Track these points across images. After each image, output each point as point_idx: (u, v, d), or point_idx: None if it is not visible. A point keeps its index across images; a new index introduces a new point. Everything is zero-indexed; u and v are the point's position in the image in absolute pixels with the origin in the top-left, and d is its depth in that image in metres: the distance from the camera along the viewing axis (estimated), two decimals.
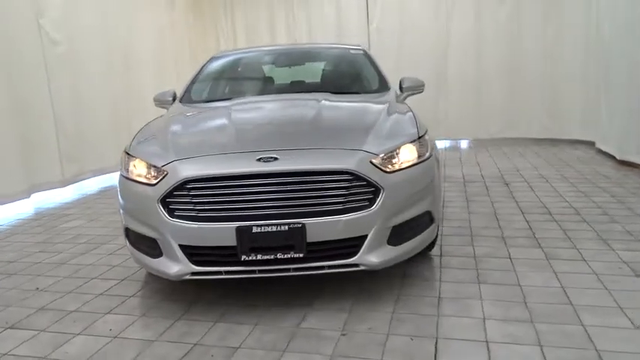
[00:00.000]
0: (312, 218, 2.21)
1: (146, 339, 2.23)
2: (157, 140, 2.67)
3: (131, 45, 6.82)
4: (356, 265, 2.29)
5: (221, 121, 2.83)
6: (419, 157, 2.48)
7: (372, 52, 6.99)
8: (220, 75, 3.81)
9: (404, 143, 2.46)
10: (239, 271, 2.28)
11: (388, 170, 2.32)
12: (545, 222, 3.57)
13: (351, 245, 2.28)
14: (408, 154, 2.44)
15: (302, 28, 8.33)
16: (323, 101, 2.97)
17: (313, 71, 3.84)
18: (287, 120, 2.79)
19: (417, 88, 3.73)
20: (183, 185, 2.26)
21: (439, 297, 2.46)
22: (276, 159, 2.25)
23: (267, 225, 2.20)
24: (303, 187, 2.23)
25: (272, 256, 2.24)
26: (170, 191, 2.28)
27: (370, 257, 2.29)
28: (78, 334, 2.30)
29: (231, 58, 3.98)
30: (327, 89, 3.42)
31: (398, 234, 2.38)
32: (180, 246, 2.29)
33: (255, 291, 2.64)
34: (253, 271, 2.28)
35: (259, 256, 2.24)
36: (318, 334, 2.18)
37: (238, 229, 2.20)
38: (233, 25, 8.75)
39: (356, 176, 2.24)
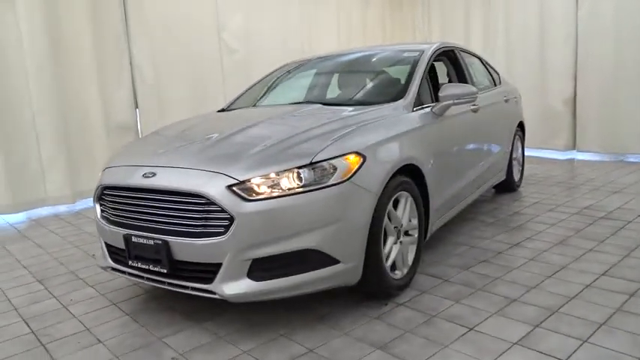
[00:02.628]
0: (175, 237, 2.23)
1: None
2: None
3: (310, 47, 7.39)
4: (213, 292, 2.19)
5: (174, 131, 3.01)
6: (305, 185, 2.16)
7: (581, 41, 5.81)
8: (267, 83, 3.91)
9: (282, 169, 2.17)
10: (132, 273, 2.47)
11: (250, 197, 2.12)
12: None
13: (210, 271, 2.20)
14: (286, 181, 2.16)
15: (498, 18, 7.40)
16: (280, 115, 2.91)
17: (341, 80, 3.59)
18: (206, 135, 2.72)
19: (461, 97, 3.07)
20: (103, 189, 2.58)
21: None
22: (154, 175, 2.33)
23: (141, 237, 2.33)
24: (168, 205, 2.27)
25: (146, 266, 2.36)
26: (100, 193, 2.62)
27: (225, 287, 2.16)
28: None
29: (292, 66, 4.00)
30: (324, 100, 3.24)
31: (263, 268, 2.16)
32: (105, 243, 2.63)
33: None
34: (142, 277, 2.44)
35: (139, 264, 2.39)
36: None
37: (124, 236, 2.40)
38: (429, 23, 8.42)
39: (210, 201, 2.14)
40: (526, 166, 6.21)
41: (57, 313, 2.70)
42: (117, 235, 2.46)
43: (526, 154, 7.11)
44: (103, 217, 2.60)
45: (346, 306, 2.54)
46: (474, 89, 3.12)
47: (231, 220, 2.11)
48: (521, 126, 4.98)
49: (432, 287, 2.72)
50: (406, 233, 2.73)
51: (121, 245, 2.45)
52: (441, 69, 4.04)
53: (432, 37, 8.35)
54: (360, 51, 3.83)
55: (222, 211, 2.13)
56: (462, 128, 3.43)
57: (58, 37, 5.13)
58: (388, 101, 2.95)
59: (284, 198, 2.13)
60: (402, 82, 3.16)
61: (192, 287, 2.26)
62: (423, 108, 3.02)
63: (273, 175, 2.17)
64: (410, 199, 2.69)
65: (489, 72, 4.63)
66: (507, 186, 4.81)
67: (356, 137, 2.41)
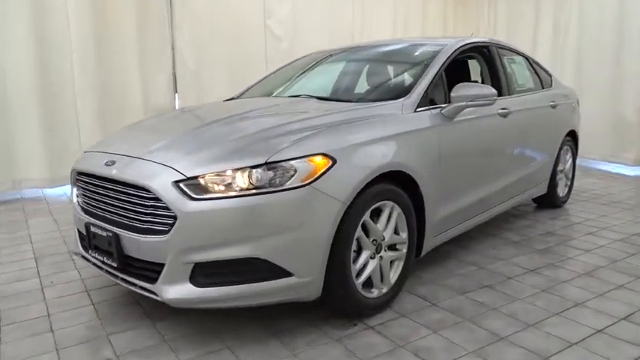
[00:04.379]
0: (125, 231, 2.11)
1: None
2: None
3: (362, 39, 7.11)
4: (155, 294, 2.06)
5: (162, 118, 2.89)
6: (258, 186, 1.95)
7: None
8: (282, 74, 3.70)
9: (234, 167, 1.97)
10: (95, 263, 2.40)
11: (196, 196, 1.94)
12: None
13: (155, 271, 2.06)
14: (237, 181, 1.96)
15: (571, 15, 6.71)
16: (264, 108, 2.70)
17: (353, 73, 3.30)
18: (183, 125, 2.57)
19: (475, 98, 2.71)
20: (77, 174, 2.52)
21: None
22: (113, 163, 2.23)
23: (98, 227, 2.24)
24: (121, 196, 2.15)
25: (101, 258, 2.27)
26: (74, 178, 2.57)
27: (166, 290, 2.01)
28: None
29: (312, 57, 3.76)
30: (323, 95, 2.97)
31: (206, 274, 1.99)
32: (77, 229, 2.58)
33: None
34: (102, 268, 2.35)
35: (96, 255, 2.31)
36: None
37: (85, 225, 2.33)
38: (495, 19, 7.82)
39: (157, 196, 1.99)
40: (585, 180, 5.59)
41: (32, 294, 2.69)
42: (82, 222, 2.39)
43: (590, 166, 6.45)
44: (77, 202, 2.55)
45: (311, 322, 2.31)
46: (491, 91, 2.75)
47: (175, 218, 1.95)
48: (572, 135, 4.43)
49: (415, 311, 2.42)
50: (392, 247, 2.45)
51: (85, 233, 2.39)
52: (476, 67, 3.67)
53: (497, 34, 7.75)
54: (382, 44, 3.53)
55: (168, 208, 1.97)
56: (482, 133, 3.05)
57: (103, 20, 5.24)
58: (389, 99, 2.66)
59: (233, 199, 1.94)
60: (410, 79, 2.85)
61: (139, 285, 2.13)
62: (430, 109, 2.69)
63: (223, 173, 1.98)
64: (397, 210, 2.40)
65: (537, 73, 4.14)
66: (550, 201, 4.31)
67: (328, 137, 2.16)
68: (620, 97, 6.21)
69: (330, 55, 3.57)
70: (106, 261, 2.25)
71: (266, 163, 1.98)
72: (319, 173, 2.03)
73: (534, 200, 4.29)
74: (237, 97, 3.62)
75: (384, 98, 2.69)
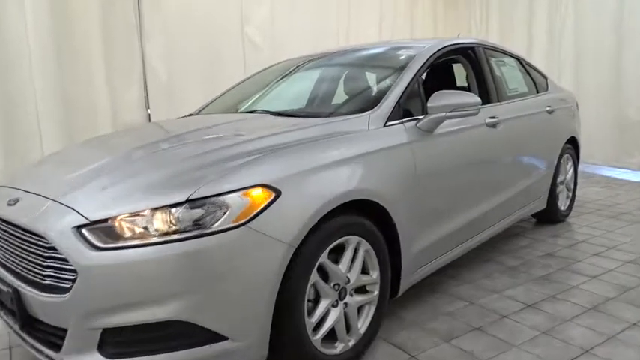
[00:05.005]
0: (26, 286, 1.72)
1: None
2: None
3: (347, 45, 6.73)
4: None
5: (91, 144, 2.50)
6: (178, 230, 1.56)
7: None
8: (247, 86, 3.32)
9: (150, 207, 1.58)
10: (5, 319, 2.00)
11: (100, 245, 1.55)
12: None
13: (60, 336, 1.66)
14: (153, 224, 1.57)
15: (567, 14, 6.33)
16: (215, 127, 2.28)
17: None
18: (110, 151, 2.18)
19: (456, 108, 2.32)
20: None
21: None
22: (16, 202, 1.84)
23: (0, 279, 1.85)
24: (22, 244, 1.76)
25: (5, 317, 1.88)
26: None
27: None
28: None
29: (275, 68, 3.37)
30: (278, 109, 2.54)
31: (118, 342, 1.59)
32: None
33: None
34: (11, 327, 1.96)
35: (2, 313, 1.92)
36: None
37: None
38: (487, 22, 7.45)
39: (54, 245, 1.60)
40: (588, 188, 5.19)
41: None
42: None
43: (593, 172, 6.05)
44: None
45: None
46: (474, 99, 2.36)
47: (76, 273, 1.56)
48: (572, 142, 4.03)
49: None
50: (361, 290, 2.06)
51: None
52: (462, 72, 3.28)
53: (490, 37, 7.37)
54: (356, 49, 3.14)
55: (67, 260, 1.58)
56: (468, 147, 2.66)
57: (65, 31, 4.87)
58: (355, 112, 2.27)
59: (146, 248, 1.54)
60: (379, 88, 2.46)
61: (46, 354, 1.74)
62: (403, 122, 2.30)
63: (137, 213, 1.59)
64: (365, 245, 2.01)
65: (530, 76, 3.75)
66: (550, 216, 3.90)
67: (271, 163, 1.76)
68: (621, 100, 5.82)
69: (298, 65, 3.18)
70: (9, 321, 1.86)
71: (188, 201, 1.58)
72: (258, 210, 1.64)
73: (533, 215, 3.89)
74: (196, 113, 3.24)
75: (348, 112, 2.30)
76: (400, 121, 2.30)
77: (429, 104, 2.33)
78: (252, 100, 2.97)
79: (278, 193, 1.69)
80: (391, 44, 3.04)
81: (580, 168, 5.13)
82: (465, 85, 3.20)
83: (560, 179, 3.88)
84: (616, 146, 5.91)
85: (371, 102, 2.32)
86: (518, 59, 3.70)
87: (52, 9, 4.68)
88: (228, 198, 1.61)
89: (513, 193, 3.17)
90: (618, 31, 5.77)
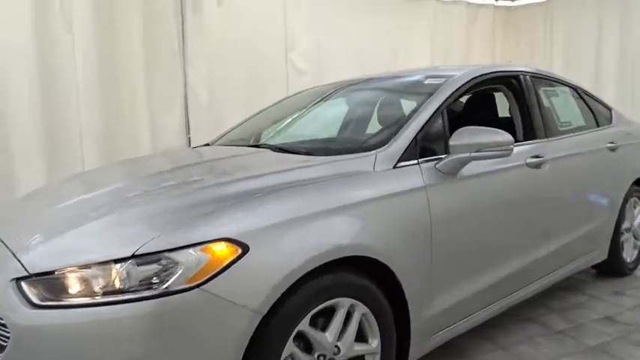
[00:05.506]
0: None
1: None
2: None
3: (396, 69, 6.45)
4: None
5: (74, 181, 2.35)
6: (122, 290, 1.34)
7: None
8: (266, 115, 3.11)
9: (97, 260, 1.37)
10: None
11: (40, 302, 1.36)
12: None
13: None
14: (101, 280, 1.36)
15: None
16: (208, 163, 2.07)
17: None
18: (89, 189, 2.02)
19: (482, 148, 1.98)
20: None
21: None
22: None
23: None
24: None
25: None
26: None
27: None
28: None
29: (298, 96, 3.15)
30: (282, 144, 2.29)
31: None
32: None
33: None
34: None
35: None
36: None
37: None
38: (551, 46, 6.90)
39: None
40: None
41: None
42: None
43: None
44: None
45: None
46: (504, 137, 2.00)
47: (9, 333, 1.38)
48: None
49: None
50: None
51: None
52: (505, 104, 2.91)
53: (554, 63, 6.81)
54: (378, 77, 2.84)
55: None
56: (502, 191, 2.28)
57: (109, 55, 4.94)
58: (362, 150, 1.98)
59: (86, 309, 1.33)
60: (394, 123, 2.17)
61: None
62: (419, 163, 1.99)
63: (81, 267, 1.38)
64: (361, 309, 1.70)
65: (589, 107, 3.29)
66: (613, 268, 3.38)
67: (240, 212, 1.51)
68: None
69: (320, 94, 2.94)
70: None
71: (134, 256, 1.36)
72: (218, 269, 1.39)
73: (594, 266, 3.37)
74: (213, 142, 3.07)
75: (355, 149, 2.02)
76: (416, 161, 1.98)
77: (450, 142, 2.01)
78: (266, 131, 2.76)
79: (245, 249, 1.43)
80: (423, 71, 2.72)
81: None
82: (508, 118, 2.83)
83: (625, 226, 3.36)
84: None
85: (381, 139, 2.03)
86: (574, 88, 3.26)
87: (97, 33, 4.76)
88: (181, 254, 1.38)
89: (563, 243, 2.72)
90: None
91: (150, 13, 5.05)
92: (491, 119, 2.85)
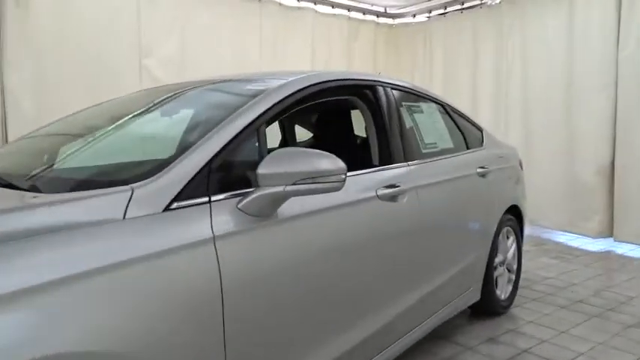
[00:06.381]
0: None
1: None
2: None
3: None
4: None
5: None
6: None
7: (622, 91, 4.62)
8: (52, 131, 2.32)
9: None
10: None
11: None
12: None
13: None
14: None
15: (514, 62, 5.68)
16: None
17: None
18: None
19: (299, 178, 1.40)
20: None
21: None
22: None
23: None
24: None
25: None
26: None
27: None
28: None
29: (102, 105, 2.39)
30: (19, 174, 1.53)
31: None
32: None
33: None
34: None
35: None
36: None
37: None
38: (431, 62, 6.77)
39: None
40: (538, 260, 4.36)
41: None
42: None
43: (544, 237, 5.26)
44: None
45: None
46: (334, 164, 1.44)
47: None
48: (515, 212, 3.19)
49: None
50: None
51: None
52: (360, 120, 2.40)
53: (434, 81, 6.68)
54: (205, 81, 2.19)
55: None
56: (343, 236, 1.72)
57: None
58: (115, 183, 1.29)
59: None
60: (180, 142, 1.51)
61: None
62: (210, 202, 1.35)
63: None
64: None
65: (458, 127, 2.91)
66: (486, 308, 3.00)
67: None
68: (576, 158, 5.09)
69: (127, 102, 2.21)
70: None
71: None
72: None
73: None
74: None
75: (103, 182, 1.34)
76: (206, 199, 1.35)
77: (258, 171, 1.40)
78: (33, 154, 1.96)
79: None
80: (264, 75, 2.11)
81: (528, 232, 4.34)
82: (364, 138, 2.32)
83: (498, 259, 3.00)
84: (571, 208, 5.14)
85: (148, 166, 1.36)
86: (443, 104, 2.86)
87: None
88: None
89: (430, 289, 2.24)
90: (569, 81, 5.12)
91: None
92: (341, 140, 2.32)
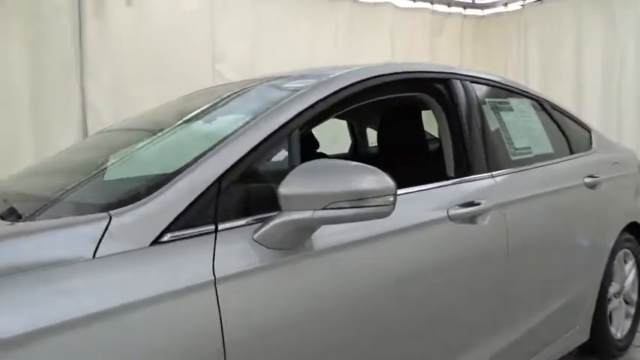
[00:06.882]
0: None
1: None
2: None
3: None
4: None
5: None
6: None
7: None
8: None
9: None
10: None
11: None
12: None
13: None
14: None
15: (627, 51, 4.89)
16: None
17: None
18: None
19: (336, 200, 1.04)
20: None
21: None
22: None
23: None
24: None
25: None
26: None
27: None
28: None
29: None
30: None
31: None
32: None
33: None
34: None
35: None
36: None
37: None
38: (525, 60, 6.08)
39: None
40: None
41: None
42: None
43: None
44: None
45: None
46: (380, 182, 1.06)
47: None
48: (634, 231, 2.58)
49: None
50: None
51: None
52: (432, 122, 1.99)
53: (529, 77, 5.98)
54: (261, 80, 1.92)
55: None
56: (403, 272, 1.34)
57: None
58: (92, 209, 1.00)
59: None
60: (184, 157, 1.21)
61: None
62: (216, 231, 1.04)
63: None
64: None
65: (560, 127, 2.38)
66: (597, 349, 2.44)
67: None
68: None
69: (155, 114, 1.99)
70: None
71: None
72: None
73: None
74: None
75: (80, 207, 1.07)
76: (212, 227, 1.04)
77: (280, 190, 1.07)
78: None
79: None
80: (318, 71, 1.77)
81: None
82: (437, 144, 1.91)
83: (613, 290, 2.43)
84: None
85: (138, 185, 1.08)
86: (538, 100, 2.34)
87: None
88: None
89: (519, 335, 1.78)
90: None
91: (38, 13, 4.15)
92: (405, 148, 1.93)
